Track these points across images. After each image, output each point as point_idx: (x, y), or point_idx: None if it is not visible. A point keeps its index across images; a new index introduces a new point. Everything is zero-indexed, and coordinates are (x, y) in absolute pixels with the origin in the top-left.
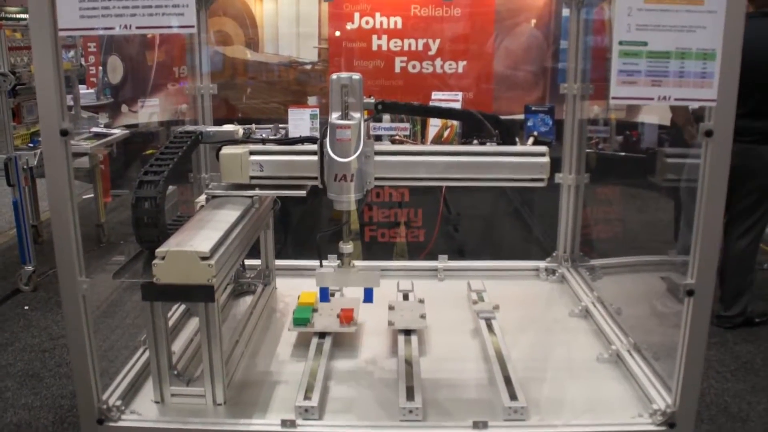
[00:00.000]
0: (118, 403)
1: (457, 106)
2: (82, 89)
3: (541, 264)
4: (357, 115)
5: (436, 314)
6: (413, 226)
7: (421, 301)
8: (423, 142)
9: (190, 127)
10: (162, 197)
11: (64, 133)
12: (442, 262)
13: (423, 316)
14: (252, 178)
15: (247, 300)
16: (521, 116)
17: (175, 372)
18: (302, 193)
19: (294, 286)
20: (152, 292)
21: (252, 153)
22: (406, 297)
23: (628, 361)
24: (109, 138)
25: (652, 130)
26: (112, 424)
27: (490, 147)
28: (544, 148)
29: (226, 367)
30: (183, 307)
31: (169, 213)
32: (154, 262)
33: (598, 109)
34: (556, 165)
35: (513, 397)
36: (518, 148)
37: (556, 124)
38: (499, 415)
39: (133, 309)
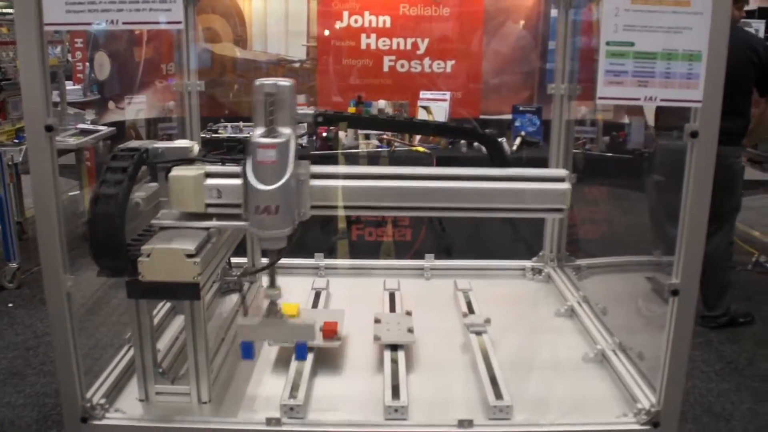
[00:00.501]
0: (103, 401)
1: (444, 105)
2: (69, 85)
3: (528, 263)
4: (286, 131)
5: (422, 313)
6: (400, 224)
7: (409, 313)
8: (411, 142)
9: (134, 143)
10: (119, 221)
11: (49, 128)
12: (429, 261)
13: (411, 330)
14: (208, 206)
15: (233, 298)
16: (509, 116)
17: (160, 370)
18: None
19: (281, 284)
20: (137, 289)
21: (208, 175)
22: (392, 298)
23: (613, 360)
24: (95, 135)
25: (639, 130)
26: (96, 422)
27: (490, 170)
28: (563, 172)
29: (212, 365)
30: (168, 304)
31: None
32: (139, 259)
33: (585, 109)
34: (542, 165)
35: (498, 396)
36: (532, 171)
37: (544, 124)
38: (484, 414)
39: (118, 306)
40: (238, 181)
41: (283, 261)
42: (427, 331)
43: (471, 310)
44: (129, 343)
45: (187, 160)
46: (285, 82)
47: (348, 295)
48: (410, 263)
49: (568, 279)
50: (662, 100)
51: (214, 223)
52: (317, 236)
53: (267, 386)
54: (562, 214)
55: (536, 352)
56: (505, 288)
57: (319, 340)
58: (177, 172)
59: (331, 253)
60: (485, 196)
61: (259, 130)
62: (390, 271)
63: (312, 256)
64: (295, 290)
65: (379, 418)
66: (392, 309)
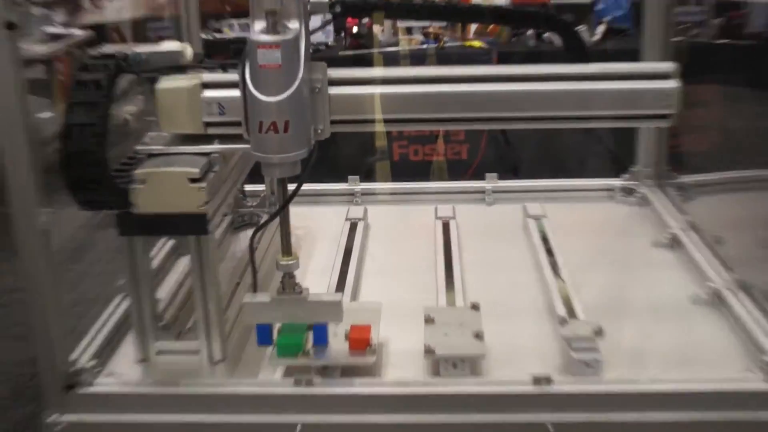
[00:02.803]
0: (92, 363)
1: None
2: None
3: (616, 182)
4: (293, 25)
5: (483, 246)
6: (454, 140)
7: (475, 308)
8: (464, 36)
9: (110, 48)
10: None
11: (11, 26)
12: (491, 182)
13: (479, 336)
14: (208, 125)
15: (249, 234)
16: None
17: (162, 323)
18: None
19: (309, 216)
20: (131, 224)
21: (206, 86)
22: (446, 229)
23: (730, 301)
24: (68, 40)
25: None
26: (84, 390)
27: (568, 68)
28: (669, 66)
29: (225, 315)
30: (170, 244)
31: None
32: (132, 187)
33: None
34: (633, 59)
35: (583, 348)
36: (626, 66)
37: (634, 6)
38: (565, 370)
39: (106, 251)
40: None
41: (310, 187)
42: (492, 269)
43: (545, 242)
44: (122, 293)
45: (178, 67)
46: None
47: (391, 226)
48: (468, 185)
49: (669, 201)
50: None
51: (215, 146)
52: (351, 156)
53: None
54: (669, 122)
55: (630, 292)
56: (587, 213)
57: (343, 354)
58: (166, 83)
59: (368, 176)
60: (563, 100)
61: (259, 25)
62: (443, 196)
63: (345, 180)
64: (325, 222)
65: (434, 376)
66: (447, 242)
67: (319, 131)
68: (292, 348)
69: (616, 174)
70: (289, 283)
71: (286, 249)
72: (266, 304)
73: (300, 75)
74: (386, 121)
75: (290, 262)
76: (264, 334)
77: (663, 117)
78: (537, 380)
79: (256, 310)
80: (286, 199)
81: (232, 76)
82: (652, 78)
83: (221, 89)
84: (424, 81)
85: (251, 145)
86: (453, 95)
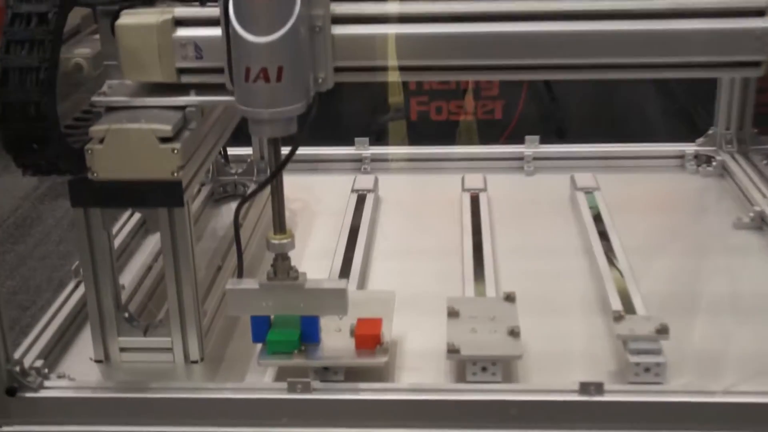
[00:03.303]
0: (39, 363)
1: None
2: None
3: (689, 147)
4: None
5: (523, 225)
6: (485, 95)
7: (510, 299)
8: None
9: None
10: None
11: None
12: (532, 147)
13: (515, 333)
14: (181, 71)
15: (233, 207)
16: None
17: (126, 315)
18: None
19: (307, 186)
20: (86, 194)
21: (179, 23)
22: (476, 203)
23: None
24: None
25: None
26: (30, 394)
27: (630, 2)
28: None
29: (203, 307)
30: (135, 218)
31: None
32: (88, 147)
33: None
34: None
35: (642, 350)
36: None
37: None
38: (620, 376)
39: (55, 227)
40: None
41: (308, 151)
42: (531, 253)
43: (598, 221)
44: (77, 278)
45: None
46: None
47: (407, 199)
48: (503, 150)
49: (755, 171)
50: None
51: (191, 98)
52: (359, 114)
53: None
54: (759, 71)
55: (703, 284)
56: (651, 186)
57: (348, 353)
58: (129, 18)
59: (380, 138)
60: (624, 44)
61: None
62: (471, 163)
63: (352, 143)
64: (327, 193)
65: (459, 380)
66: (476, 220)
67: (320, 80)
68: (286, 344)
69: (688, 138)
70: (282, 267)
71: (279, 225)
72: (254, 291)
73: (296, 10)
74: (403, 69)
75: (284, 241)
76: (260, 329)
77: (752, 65)
78: (585, 388)
79: (241, 299)
80: (279, 165)
81: (213, 10)
82: (739, 15)
83: (198, 27)
84: (452, 18)
85: (236, 97)
86: (487, 36)
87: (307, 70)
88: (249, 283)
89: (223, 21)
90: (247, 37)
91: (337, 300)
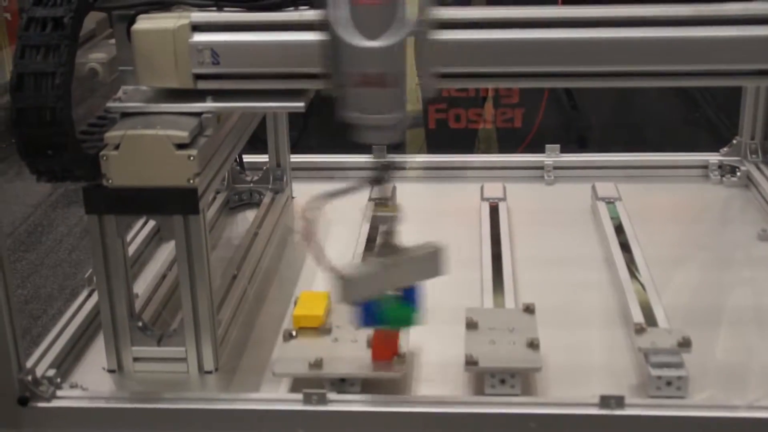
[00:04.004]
0: (51, 373)
1: None
2: None
3: (713, 157)
4: None
5: (543, 236)
6: (505, 103)
7: (530, 310)
8: None
9: None
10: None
11: None
12: (552, 156)
13: (534, 345)
14: (198, 77)
15: (249, 216)
16: None
17: (140, 324)
18: (299, 105)
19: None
20: (100, 200)
21: (196, 28)
22: (495, 213)
23: None
24: None
25: None
26: (42, 404)
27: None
28: None
29: (218, 316)
30: (150, 226)
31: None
32: (103, 153)
33: None
34: None
35: (665, 363)
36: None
37: None
38: (641, 390)
39: (68, 234)
40: (248, 37)
41: (324, 159)
42: (551, 264)
43: (619, 232)
44: (90, 286)
45: (160, 3)
46: None
47: (425, 208)
48: (522, 159)
49: None
50: None
51: (208, 105)
52: None
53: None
54: None
55: (727, 296)
56: (674, 197)
57: (365, 365)
58: (145, 23)
59: (397, 147)
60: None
61: None
62: (491, 172)
63: (369, 151)
64: (343, 202)
65: (478, 393)
66: (495, 230)
67: (422, 87)
68: (405, 319)
69: (713, 147)
70: (389, 244)
71: (388, 196)
72: (373, 275)
73: (407, 13)
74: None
75: (392, 213)
76: (370, 314)
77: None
78: (606, 401)
79: (349, 286)
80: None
81: (230, 15)
82: (764, 22)
83: (215, 32)
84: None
85: (344, 102)
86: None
87: (413, 76)
88: (371, 267)
89: (325, 26)
90: (359, 42)
91: (434, 262)
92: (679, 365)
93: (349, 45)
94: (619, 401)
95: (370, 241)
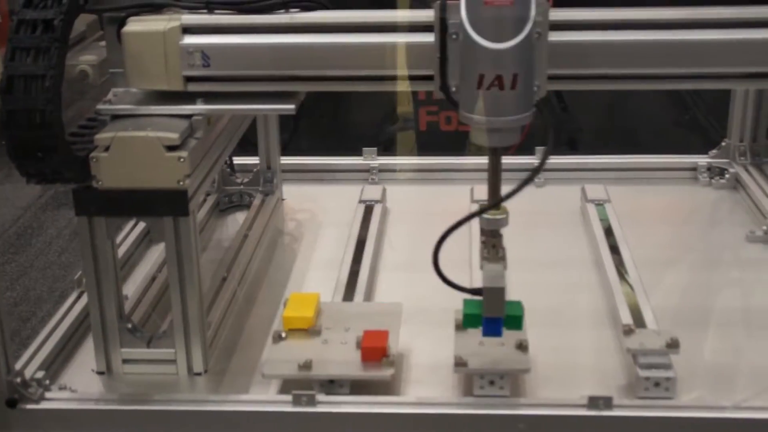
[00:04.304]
0: (40, 375)
1: None
2: None
3: (702, 159)
4: None
5: (533, 237)
6: None
7: None
8: None
9: None
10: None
11: None
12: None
13: (523, 346)
14: (188, 79)
15: (239, 218)
16: None
17: (130, 326)
18: (290, 107)
19: (314, 196)
20: (90, 202)
21: (186, 30)
22: None
23: None
24: None
25: None
26: (30, 406)
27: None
28: None
29: (208, 318)
30: (140, 227)
31: None
32: (93, 155)
33: None
34: None
35: (652, 364)
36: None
37: None
38: (630, 390)
39: (58, 236)
40: (239, 39)
41: (315, 161)
42: (541, 266)
43: (609, 234)
44: (79, 288)
45: (151, 5)
46: None
47: (415, 210)
48: (512, 161)
49: None
50: None
51: (199, 107)
52: (366, 123)
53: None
54: None
55: (715, 297)
56: (663, 199)
57: (354, 366)
58: (135, 26)
59: (388, 148)
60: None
61: None
62: (481, 174)
63: (360, 153)
64: (334, 204)
65: (467, 394)
66: None
67: (536, 88)
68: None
69: (701, 150)
70: (494, 250)
71: (496, 200)
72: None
73: (532, 15)
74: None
75: (500, 216)
76: (497, 323)
77: (766, 76)
78: (594, 402)
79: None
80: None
81: (220, 17)
82: (755, 26)
83: (206, 34)
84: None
85: (461, 104)
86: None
87: (531, 77)
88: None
89: (439, 27)
90: (485, 44)
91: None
92: (667, 366)
93: (482, 47)
94: (607, 402)
95: (360, 242)
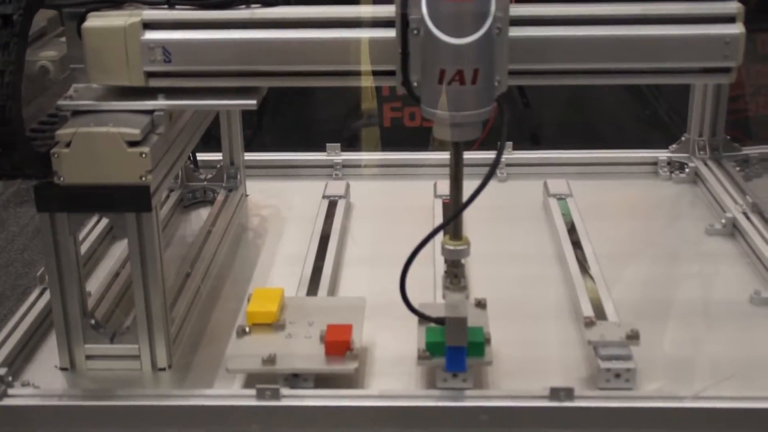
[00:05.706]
0: (2, 371)
1: None
2: None
3: (662, 154)
4: None
5: (496, 232)
6: None
7: (481, 305)
8: None
9: None
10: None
11: None
12: (505, 153)
13: (486, 339)
14: (149, 75)
15: (203, 214)
16: None
17: (93, 322)
18: (251, 103)
19: (275, 192)
20: (52, 198)
21: (147, 26)
22: (448, 211)
23: None
24: None
25: None
26: None
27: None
28: (733, 6)
29: (172, 314)
30: (102, 224)
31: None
32: (54, 151)
33: None
34: None
35: (613, 355)
36: (674, 7)
37: None
38: (591, 381)
39: (20, 233)
40: (201, 34)
41: (279, 156)
42: (503, 260)
43: (571, 228)
44: (42, 285)
45: (111, 0)
46: None
47: (379, 206)
48: (475, 156)
49: (728, 178)
50: None
51: (160, 102)
52: (330, 119)
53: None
54: (729, 77)
55: (675, 290)
56: (624, 193)
57: (317, 360)
58: (96, 21)
59: (352, 144)
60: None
61: None
62: (444, 170)
63: (323, 149)
64: (297, 199)
65: (430, 387)
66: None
67: (496, 83)
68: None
69: (662, 144)
70: (455, 282)
71: (456, 231)
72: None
73: (492, 10)
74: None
75: (461, 248)
76: (460, 358)
77: (722, 71)
78: (555, 393)
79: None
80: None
81: (181, 13)
82: (709, 22)
83: (167, 30)
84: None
85: (423, 99)
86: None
87: (493, 72)
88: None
89: (400, 23)
90: (446, 39)
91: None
92: (627, 358)
93: (443, 42)
94: (568, 393)
95: (324, 238)
